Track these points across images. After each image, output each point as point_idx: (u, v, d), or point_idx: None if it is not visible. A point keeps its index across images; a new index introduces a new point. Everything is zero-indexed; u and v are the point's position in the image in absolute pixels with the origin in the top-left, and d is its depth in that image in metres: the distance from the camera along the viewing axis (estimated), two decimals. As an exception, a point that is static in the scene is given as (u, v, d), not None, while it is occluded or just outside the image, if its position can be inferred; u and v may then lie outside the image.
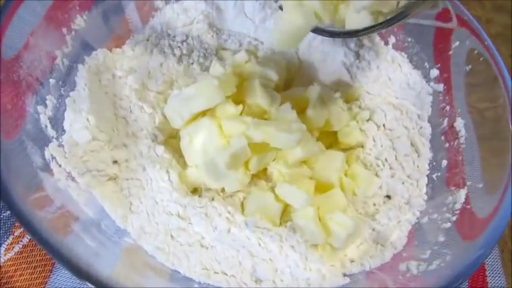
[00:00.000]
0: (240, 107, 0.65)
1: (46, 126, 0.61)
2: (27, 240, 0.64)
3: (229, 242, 0.59)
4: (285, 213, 0.64)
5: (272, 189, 0.65)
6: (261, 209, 0.62)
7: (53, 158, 0.59)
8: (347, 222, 0.59)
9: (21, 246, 0.64)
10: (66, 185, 0.57)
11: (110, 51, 0.76)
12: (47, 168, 0.56)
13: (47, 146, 0.59)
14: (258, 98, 0.64)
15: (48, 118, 0.62)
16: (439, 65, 0.74)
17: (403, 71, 0.78)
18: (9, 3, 0.58)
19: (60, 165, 0.59)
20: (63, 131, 0.64)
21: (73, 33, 0.70)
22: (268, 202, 0.62)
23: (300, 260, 0.57)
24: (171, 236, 0.60)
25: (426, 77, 0.76)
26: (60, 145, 0.61)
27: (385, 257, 0.59)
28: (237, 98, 0.68)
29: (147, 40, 0.80)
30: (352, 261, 0.61)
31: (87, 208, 0.58)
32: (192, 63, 0.79)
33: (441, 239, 0.56)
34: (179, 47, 0.79)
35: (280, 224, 0.63)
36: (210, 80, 0.60)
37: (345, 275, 0.59)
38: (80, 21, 0.71)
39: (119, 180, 0.65)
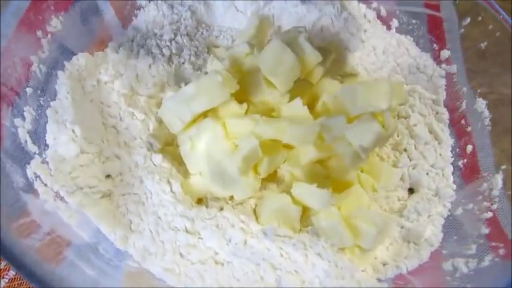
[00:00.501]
0: (245, 105, 0.58)
1: (26, 141, 0.53)
2: (14, 274, 0.56)
3: (247, 255, 0.52)
4: (304, 218, 0.58)
5: (287, 192, 0.58)
6: (278, 215, 0.55)
7: (37, 176, 0.51)
8: (375, 219, 0.53)
9: (7, 280, 0.56)
10: (55, 207, 0.50)
11: (92, 55, 0.69)
12: (30, 188, 0.48)
13: (29, 163, 0.51)
14: (266, 94, 0.58)
15: (28, 132, 0.54)
16: (449, 45, 0.70)
17: (411, 54, 0.73)
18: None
19: (45, 185, 0.51)
20: (46, 145, 0.56)
21: (49, 36, 0.63)
22: (285, 206, 0.55)
23: (330, 268, 0.51)
24: (180, 255, 0.53)
25: (437, 59, 0.71)
26: (44, 161, 0.54)
27: (422, 256, 0.54)
28: (239, 97, 0.61)
29: (132, 41, 0.73)
30: (384, 264, 0.55)
31: (80, 231, 0.50)
32: (184, 63, 0.72)
33: (485, 231, 0.50)
34: (168, 46, 0.72)
35: (300, 230, 0.57)
36: (212, 76, 0.53)
37: (379, 280, 0.53)
38: (56, 23, 0.64)
39: (114, 196, 0.58)
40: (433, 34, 0.74)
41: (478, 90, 0.64)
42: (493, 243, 0.47)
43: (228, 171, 0.56)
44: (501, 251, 0.45)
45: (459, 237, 0.53)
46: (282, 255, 0.52)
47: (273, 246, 0.52)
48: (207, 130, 0.56)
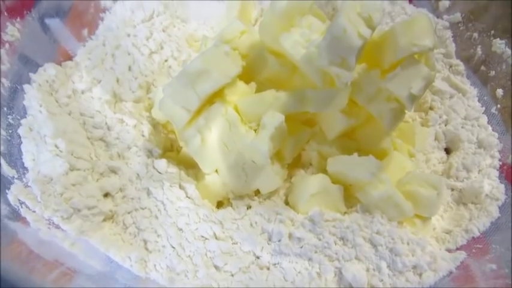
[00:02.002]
0: (253, 84, 0.50)
1: None
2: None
3: (296, 250, 0.44)
4: (345, 198, 0.49)
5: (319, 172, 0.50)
6: (318, 199, 0.47)
7: (22, 203, 0.40)
8: (432, 179, 0.46)
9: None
10: (52, 236, 0.39)
11: (60, 65, 0.59)
12: (17, 216, 0.37)
13: (9, 188, 0.40)
14: (273, 68, 0.50)
15: (1, 154, 0.43)
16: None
17: (407, 12, 0.69)
18: None
19: (34, 212, 0.40)
20: (25, 168, 0.45)
21: (7, 46, 0.53)
22: (325, 187, 0.48)
23: (395, 245, 0.43)
24: (216, 267, 0.44)
25: (436, 11, 0.67)
26: (27, 186, 0.43)
27: (492, 213, 0.47)
28: (242, 78, 0.53)
29: (104, 45, 0.64)
30: (448, 232, 0.48)
31: (89, 260, 0.39)
32: (167, 60, 0.64)
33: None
34: (145, 44, 0.64)
35: (345, 213, 0.48)
36: (218, 47, 0.45)
37: (449, 250, 0.45)
38: (12, 31, 0.55)
39: (118, 216, 0.48)
40: None
41: (492, 31, 0.59)
42: None
43: (249, 162, 0.47)
44: None
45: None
46: (336, 243, 0.44)
47: (325, 233, 0.44)
48: (218, 118, 0.48)
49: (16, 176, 0.44)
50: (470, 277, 0.41)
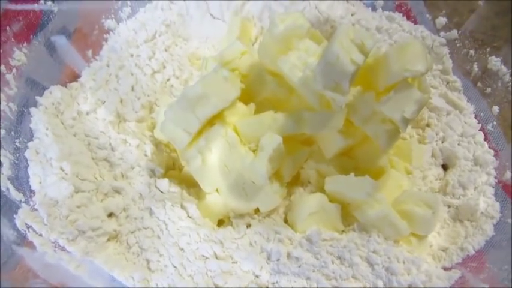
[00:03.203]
0: (252, 105, 0.52)
1: (8, 189, 0.45)
2: None
3: (294, 269, 0.45)
4: (343, 216, 0.50)
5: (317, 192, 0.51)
6: (316, 218, 0.49)
7: (29, 227, 0.42)
8: (427, 198, 0.47)
9: None
10: (58, 258, 0.40)
11: (65, 86, 0.61)
12: (24, 242, 0.39)
13: (16, 213, 0.42)
14: (272, 89, 0.52)
15: (9, 179, 0.46)
16: (443, 11, 0.66)
17: (405, 29, 0.69)
18: None
19: (40, 235, 0.42)
20: (32, 191, 0.47)
21: (14, 71, 0.55)
22: (322, 206, 0.49)
23: (392, 265, 0.44)
24: (216, 286, 0.45)
25: (432, 28, 0.68)
26: (34, 209, 0.44)
27: (486, 231, 0.48)
28: (242, 98, 0.54)
29: (107, 66, 0.66)
30: (444, 249, 0.49)
31: (94, 282, 0.41)
32: (169, 79, 0.66)
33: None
34: (148, 64, 0.66)
35: (343, 231, 0.50)
36: (218, 72, 0.46)
37: (445, 268, 0.46)
38: (19, 56, 0.57)
39: (122, 236, 0.50)
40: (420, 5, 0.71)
41: (488, 49, 0.60)
42: None
43: (249, 182, 0.49)
44: None
45: (522, 201, 0.48)
46: (333, 262, 0.45)
47: (322, 252, 0.45)
48: (218, 139, 0.49)
49: (23, 200, 0.45)
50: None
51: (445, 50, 0.66)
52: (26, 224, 0.42)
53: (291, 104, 0.53)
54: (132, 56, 0.67)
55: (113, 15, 0.70)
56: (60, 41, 0.64)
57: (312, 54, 0.49)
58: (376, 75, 0.46)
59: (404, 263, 0.44)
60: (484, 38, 0.62)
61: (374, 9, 0.74)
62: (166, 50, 0.69)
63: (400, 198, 0.48)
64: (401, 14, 0.71)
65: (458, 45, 0.65)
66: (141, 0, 0.73)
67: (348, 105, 0.47)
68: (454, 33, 0.66)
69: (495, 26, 0.63)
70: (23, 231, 0.41)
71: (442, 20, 0.67)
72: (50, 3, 0.61)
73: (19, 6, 0.59)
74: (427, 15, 0.69)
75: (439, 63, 0.66)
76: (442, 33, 0.67)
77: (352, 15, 0.72)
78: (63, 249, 0.43)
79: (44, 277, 0.36)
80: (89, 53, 0.67)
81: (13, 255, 0.37)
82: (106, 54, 0.67)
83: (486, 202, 0.50)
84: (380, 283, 0.43)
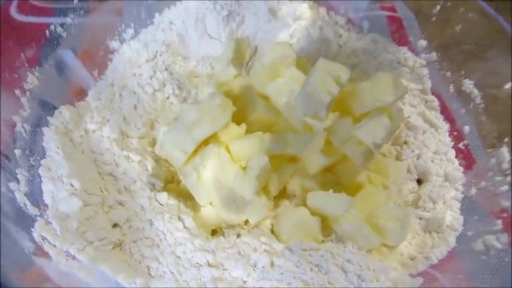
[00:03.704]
0: (244, 126, 0.57)
1: (25, 204, 0.51)
2: None
3: (277, 276, 0.50)
4: (323, 227, 0.56)
5: (301, 205, 0.57)
6: (298, 229, 0.54)
7: (44, 238, 0.48)
8: (397, 213, 0.53)
9: None
10: (70, 267, 0.46)
11: (74, 105, 0.67)
12: (41, 252, 0.45)
13: (33, 226, 0.48)
14: (261, 111, 0.57)
15: (25, 195, 0.51)
16: (424, 35, 0.72)
17: (389, 51, 0.75)
18: None
19: (55, 246, 0.48)
20: (46, 205, 0.53)
21: (28, 93, 0.61)
22: (304, 219, 0.54)
23: (363, 272, 0.49)
24: (208, 291, 0.50)
25: (414, 50, 0.73)
26: (48, 222, 0.51)
27: (449, 242, 0.53)
28: (234, 118, 0.60)
29: (112, 85, 0.71)
30: (412, 258, 0.54)
31: (101, 286, 0.47)
32: (168, 97, 0.72)
33: (506, 203, 0.50)
34: (149, 83, 0.71)
35: (323, 241, 0.55)
36: (211, 99, 0.52)
37: (412, 275, 0.51)
38: (32, 79, 0.62)
39: (125, 245, 0.55)
40: (403, 28, 0.76)
41: (463, 72, 0.66)
42: (520, 214, 0.47)
43: (239, 196, 0.54)
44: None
45: (480, 216, 0.53)
46: (311, 270, 0.50)
47: (302, 261, 0.50)
48: (211, 157, 0.55)
49: (38, 214, 0.51)
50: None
51: (425, 71, 0.72)
52: (42, 236, 0.48)
53: (279, 125, 0.59)
54: (134, 75, 0.73)
55: (117, 37, 0.76)
56: (69, 62, 0.69)
57: (297, 82, 0.54)
58: (353, 103, 0.51)
59: (374, 271, 0.50)
60: (459, 62, 0.67)
61: (361, 30, 0.79)
62: (166, 69, 0.75)
63: (374, 212, 0.54)
64: (385, 35, 0.77)
65: (437, 67, 0.71)
66: (143, 22, 0.79)
67: (328, 129, 0.53)
68: (434, 55, 0.71)
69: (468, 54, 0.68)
70: (39, 243, 0.47)
71: (423, 43, 0.73)
72: (59, 28, 0.67)
73: (32, 32, 0.64)
74: (410, 38, 0.74)
75: (419, 83, 0.71)
76: (422, 55, 0.73)
77: (339, 36, 0.78)
78: (74, 258, 0.48)
79: (60, 284, 0.42)
80: (95, 72, 0.72)
81: (33, 265, 0.43)
82: (110, 73, 0.73)
83: (452, 216, 0.56)
84: (352, 289, 0.49)
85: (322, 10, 0.80)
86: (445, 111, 0.68)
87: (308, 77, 0.49)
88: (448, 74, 0.68)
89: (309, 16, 0.76)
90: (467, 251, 0.50)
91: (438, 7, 0.69)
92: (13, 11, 0.59)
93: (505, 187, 0.52)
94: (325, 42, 0.76)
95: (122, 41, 0.76)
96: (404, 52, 0.74)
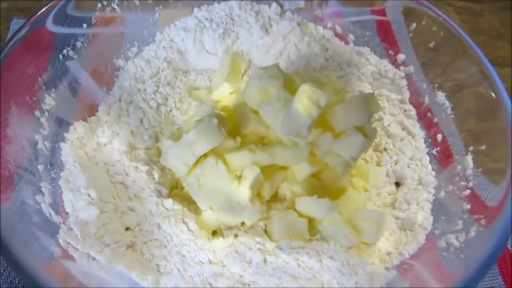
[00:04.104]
0: (238, 139, 0.65)
1: (50, 214, 0.58)
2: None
3: (269, 271, 0.58)
4: (310, 227, 0.64)
5: (290, 208, 0.65)
6: (288, 230, 0.62)
7: (68, 243, 0.56)
8: (374, 215, 0.60)
9: None
10: (91, 267, 0.54)
11: (86, 121, 0.74)
12: (67, 256, 0.53)
13: (58, 233, 0.56)
14: (254, 125, 0.65)
15: (50, 205, 0.59)
16: (403, 49, 0.78)
17: (371, 63, 0.82)
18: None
19: (77, 249, 0.56)
20: (67, 213, 0.61)
21: (46, 114, 0.68)
22: (293, 221, 0.62)
23: (344, 267, 0.57)
24: (210, 284, 0.58)
25: (394, 63, 0.80)
26: (70, 229, 0.58)
27: (419, 240, 0.61)
28: (231, 131, 0.67)
29: (119, 100, 0.78)
30: (388, 253, 0.62)
31: (119, 283, 0.55)
32: (171, 110, 0.79)
33: (466, 206, 0.58)
34: (153, 98, 0.78)
35: (310, 239, 0.63)
36: (209, 120, 0.59)
37: (387, 268, 0.59)
38: (49, 101, 0.69)
39: (137, 246, 0.63)
40: (385, 41, 0.83)
41: (436, 84, 0.73)
42: (475, 216, 0.55)
43: (235, 202, 0.62)
44: (483, 221, 0.53)
45: (446, 216, 0.61)
46: (299, 265, 0.58)
47: (290, 258, 0.58)
48: (210, 168, 0.62)
49: (61, 221, 0.58)
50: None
51: (403, 82, 0.79)
52: (66, 241, 0.56)
53: (270, 137, 0.66)
54: (139, 90, 0.80)
55: (122, 55, 0.83)
56: (81, 81, 0.76)
57: (284, 102, 0.62)
58: (332, 122, 0.59)
59: (353, 265, 0.57)
60: (433, 75, 0.74)
61: (347, 42, 0.86)
62: (168, 84, 0.82)
63: (354, 215, 0.61)
64: (368, 49, 0.84)
65: (414, 79, 0.78)
66: (145, 40, 0.86)
67: (312, 142, 0.60)
68: (411, 68, 0.78)
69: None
70: (65, 247, 0.54)
71: (401, 56, 0.80)
72: (71, 52, 0.74)
73: (47, 57, 0.72)
74: (390, 51, 0.81)
75: (398, 94, 0.79)
76: (401, 68, 0.80)
77: (326, 50, 0.85)
78: (94, 259, 0.56)
79: (85, 283, 0.50)
80: (104, 89, 0.79)
81: (61, 267, 0.50)
82: (117, 89, 0.80)
83: (423, 216, 0.63)
84: (334, 281, 0.57)
85: (311, 25, 0.87)
86: (421, 120, 0.75)
87: (292, 101, 0.56)
88: (424, 85, 0.75)
89: (298, 33, 0.83)
90: (432, 248, 0.58)
91: (414, 24, 0.75)
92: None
93: (467, 191, 0.60)
94: (313, 56, 0.83)
95: (127, 59, 0.83)
96: (385, 65, 0.81)
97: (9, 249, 0.45)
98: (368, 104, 0.57)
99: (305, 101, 0.55)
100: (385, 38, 0.84)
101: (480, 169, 0.60)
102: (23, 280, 0.45)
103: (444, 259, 0.54)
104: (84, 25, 0.76)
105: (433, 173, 0.68)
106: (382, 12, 0.85)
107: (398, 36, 0.83)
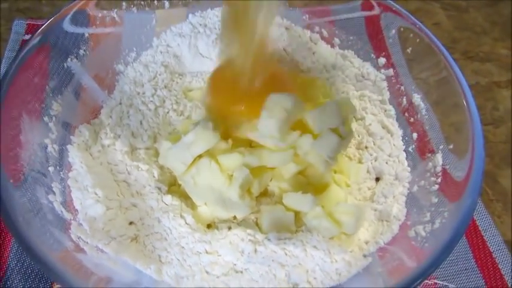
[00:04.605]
0: (230, 141, 0.71)
1: (61, 211, 0.64)
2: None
3: (259, 260, 0.65)
4: (297, 220, 0.71)
5: (279, 203, 0.71)
6: (276, 223, 0.68)
7: (79, 237, 0.62)
8: (352, 209, 0.67)
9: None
10: (100, 258, 0.61)
11: (89, 123, 0.80)
12: (79, 249, 0.59)
13: (70, 229, 0.62)
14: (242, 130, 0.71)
15: (61, 204, 0.65)
16: (383, 53, 0.84)
17: (355, 65, 0.87)
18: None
19: (87, 243, 0.62)
20: (76, 210, 0.67)
21: (54, 119, 0.73)
22: (280, 214, 0.69)
23: (325, 255, 0.64)
24: (207, 272, 0.65)
25: (376, 66, 0.86)
26: (79, 224, 0.65)
27: (393, 230, 0.67)
28: (223, 134, 0.73)
29: (120, 104, 0.84)
30: (366, 242, 0.69)
31: (125, 272, 0.62)
32: (168, 112, 0.84)
33: (434, 200, 0.65)
34: (151, 101, 0.84)
35: (296, 231, 0.70)
36: (204, 125, 0.65)
37: (365, 255, 0.66)
38: (56, 107, 0.74)
39: (140, 238, 0.69)
40: (372, 38, 0.88)
41: (413, 87, 0.79)
42: (440, 209, 0.61)
43: (228, 198, 0.69)
44: (446, 214, 0.60)
45: (417, 209, 0.67)
46: (286, 254, 0.65)
47: (278, 248, 0.64)
48: (205, 168, 0.69)
49: (72, 218, 0.64)
50: (370, 275, 0.62)
51: (384, 84, 0.85)
52: (77, 236, 0.62)
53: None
54: (138, 94, 0.85)
55: (122, 60, 0.88)
56: (86, 86, 0.82)
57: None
58: (310, 125, 0.65)
59: (334, 254, 0.64)
60: (409, 78, 0.80)
61: (332, 46, 0.92)
62: (165, 87, 0.87)
63: (335, 208, 0.68)
64: (352, 52, 0.90)
65: (393, 81, 0.84)
66: (143, 45, 0.91)
67: (295, 145, 0.67)
68: (391, 71, 0.84)
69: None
70: (76, 241, 0.61)
71: (382, 60, 0.86)
72: (75, 60, 0.80)
73: (52, 66, 0.77)
74: (372, 55, 0.87)
75: (379, 95, 0.85)
76: (382, 70, 0.86)
77: (313, 54, 0.91)
78: (102, 251, 0.62)
79: (95, 272, 0.56)
80: (106, 92, 0.85)
81: (75, 259, 0.57)
82: (118, 93, 0.85)
83: (398, 208, 0.70)
84: (317, 268, 0.64)
85: (299, 29, 0.93)
86: (399, 119, 0.81)
87: (262, 110, 0.63)
88: (402, 88, 0.81)
89: (286, 37, 0.89)
90: (404, 237, 0.65)
91: (393, 31, 0.81)
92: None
93: (436, 186, 0.66)
94: (300, 60, 0.89)
95: (127, 64, 0.88)
96: (367, 67, 0.87)
97: (31, 245, 0.51)
98: (342, 108, 0.64)
99: (274, 107, 0.61)
100: (373, 35, 0.89)
101: (448, 166, 0.66)
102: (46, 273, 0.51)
103: (414, 247, 0.61)
104: (86, 34, 0.81)
105: (408, 168, 0.74)
106: (371, 7, 0.89)
107: (385, 32, 0.88)
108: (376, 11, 0.85)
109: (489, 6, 1.38)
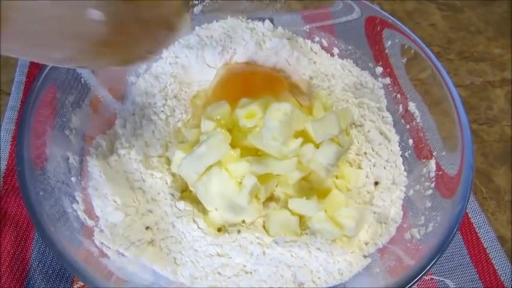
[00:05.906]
0: (238, 150, 0.76)
1: (85, 219, 0.69)
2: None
3: (267, 262, 0.70)
4: (302, 223, 0.76)
5: (284, 207, 0.77)
6: (283, 226, 0.74)
7: (102, 243, 0.68)
8: (352, 213, 0.72)
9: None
10: (122, 262, 0.67)
11: (105, 133, 0.85)
12: (103, 254, 0.65)
13: (93, 235, 0.68)
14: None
15: (84, 211, 0.70)
16: (380, 63, 0.89)
17: (353, 74, 0.92)
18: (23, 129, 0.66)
19: (109, 248, 0.68)
20: (97, 217, 0.73)
21: (74, 131, 0.78)
22: (286, 218, 0.74)
23: (328, 257, 0.69)
24: (219, 273, 0.71)
25: (373, 74, 0.91)
26: (101, 230, 0.70)
27: (391, 232, 0.73)
28: (231, 144, 0.78)
29: (133, 114, 0.89)
30: (366, 243, 0.74)
31: (145, 275, 0.67)
32: (178, 121, 0.89)
33: (428, 204, 0.70)
34: (162, 111, 0.89)
35: (301, 234, 0.75)
36: (216, 136, 0.71)
37: (365, 256, 0.72)
38: (75, 120, 0.79)
39: (156, 242, 0.75)
40: (371, 39, 0.93)
41: (408, 95, 0.84)
42: (434, 213, 0.67)
43: (237, 204, 0.74)
44: (439, 218, 0.65)
45: (413, 212, 0.73)
46: (292, 256, 0.70)
47: (284, 250, 0.70)
48: (215, 176, 0.74)
49: (94, 225, 0.70)
50: (370, 274, 0.68)
51: (381, 92, 0.90)
52: (101, 241, 0.68)
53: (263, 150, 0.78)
54: (150, 104, 0.91)
55: (134, 72, 0.93)
56: (101, 99, 0.87)
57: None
58: (312, 135, 0.71)
59: (336, 255, 0.70)
60: (405, 87, 0.85)
61: (332, 55, 0.97)
62: (175, 97, 0.92)
63: (336, 212, 0.73)
64: (351, 61, 0.95)
65: (390, 89, 0.89)
66: (153, 57, 0.96)
67: (298, 153, 0.72)
68: (388, 79, 0.89)
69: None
70: (100, 247, 0.67)
71: (379, 69, 0.90)
72: (91, 74, 0.85)
73: (71, 81, 0.82)
74: (370, 64, 0.92)
75: (377, 102, 0.90)
76: (379, 79, 0.90)
77: (314, 63, 0.95)
78: (123, 255, 0.68)
79: (121, 277, 0.62)
80: (120, 104, 0.91)
81: (101, 264, 0.63)
82: (131, 105, 0.90)
83: (395, 211, 0.75)
84: (321, 268, 0.69)
85: (300, 40, 0.98)
86: (396, 126, 0.86)
87: (264, 118, 0.69)
88: (398, 95, 0.86)
89: (288, 48, 0.94)
90: (401, 239, 0.70)
91: (389, 42, 0.86)
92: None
93: (430, 191, 0.72)
94: (302, 70, 0.94)
95: (138, 75, 0.93)
96: (365, 76, 0.91)
97: (62, 252, 0.57)
98: (341, 118, 0.69)
99: (274, 112, 0.67)
100: (371, 45, 0.94)
101: (441, 172, 0.72)
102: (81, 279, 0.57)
103: (409, 249, 0.67)
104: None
105: (405, 173, 0.80)
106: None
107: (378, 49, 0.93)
108: (377, 27, 0.90)
109: (483, 6, 1.41)
